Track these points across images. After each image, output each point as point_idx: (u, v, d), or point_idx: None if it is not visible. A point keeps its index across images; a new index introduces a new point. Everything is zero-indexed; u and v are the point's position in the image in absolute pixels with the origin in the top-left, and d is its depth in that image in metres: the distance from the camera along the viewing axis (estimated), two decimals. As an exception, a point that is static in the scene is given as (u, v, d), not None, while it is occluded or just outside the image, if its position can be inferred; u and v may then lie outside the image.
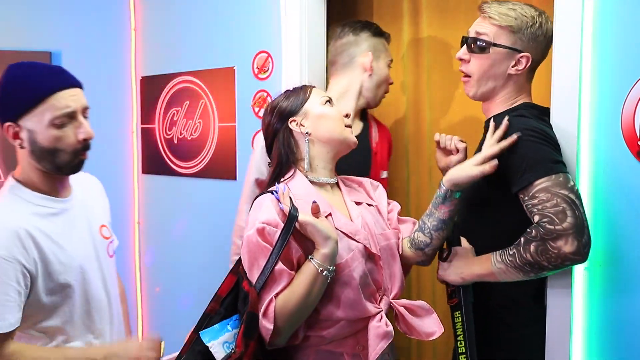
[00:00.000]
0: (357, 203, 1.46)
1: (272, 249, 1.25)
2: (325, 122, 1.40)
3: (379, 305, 1.36)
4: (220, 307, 1.30)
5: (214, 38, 2.30)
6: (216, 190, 2.34)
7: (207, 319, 1.29)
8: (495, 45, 1.39)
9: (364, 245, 1.35)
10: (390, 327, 1.34)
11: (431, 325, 1.39)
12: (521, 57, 1.39)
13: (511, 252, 1.30)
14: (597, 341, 1.41)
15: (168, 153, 2.53)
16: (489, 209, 1.43)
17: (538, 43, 1.40)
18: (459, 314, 1.43)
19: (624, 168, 1.35)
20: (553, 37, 1.42)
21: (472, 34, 1.43)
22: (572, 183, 1.25)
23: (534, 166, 1.26)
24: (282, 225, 1.27)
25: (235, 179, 2.25)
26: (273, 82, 2.11)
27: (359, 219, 1.39)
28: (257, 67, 2.16)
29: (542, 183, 1.25)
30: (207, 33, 2.33)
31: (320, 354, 1.35)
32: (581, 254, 1.24)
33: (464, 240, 1.48)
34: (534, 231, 1.26)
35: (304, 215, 1.26)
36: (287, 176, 1.40)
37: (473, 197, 1.44)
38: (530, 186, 1.26)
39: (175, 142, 2.49)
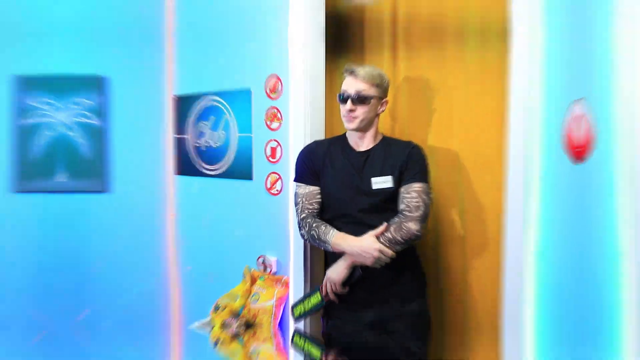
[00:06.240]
0: None
1: None
2: None
3: None
4: None
5: (235, 65, 2.50)
6: (236, 188, 2.52)
7: None
8: (372, 97, 1.86)
9: None
10: None
11: None
12: (384, 101, 1.92)
13: (386, 234, 1.78)
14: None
15: (197, 158, 2.71)
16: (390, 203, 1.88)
17: (387, 90, 1.93)
18: None
19: (563, 171, 1.54)
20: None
21: (352, 93, 1.85)
22: (429, 190, 1.79)
23: (420, 173, 1.76)
24: None
25: (251, 178, 2.44)
26: (282, 101, 2.30)
27: None
28: (269, 89, 2.34)
29: (419, 186, 1.78)
30: (229, 61, 2.53)
31: None
32: (420, 232, 1.77)
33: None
34: (396, 218, 1.77)
35: None
36: None
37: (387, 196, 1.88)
38: (413, 185, 1.76)
39: (203, 149, 2.67)
